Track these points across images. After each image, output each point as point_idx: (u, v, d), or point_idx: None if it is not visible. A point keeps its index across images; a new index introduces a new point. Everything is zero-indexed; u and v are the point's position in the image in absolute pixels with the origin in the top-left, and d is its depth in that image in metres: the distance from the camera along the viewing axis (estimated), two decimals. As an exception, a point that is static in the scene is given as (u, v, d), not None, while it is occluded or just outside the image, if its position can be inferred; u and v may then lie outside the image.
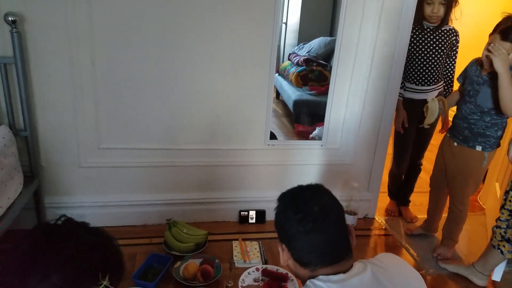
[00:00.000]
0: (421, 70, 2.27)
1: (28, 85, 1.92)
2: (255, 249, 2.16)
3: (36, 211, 2.13)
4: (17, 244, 0.79)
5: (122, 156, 2.17)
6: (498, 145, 2.03)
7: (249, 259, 2.06)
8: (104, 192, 2.22)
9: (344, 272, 0.97)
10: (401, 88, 2.33)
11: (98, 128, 2.08)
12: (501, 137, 2.00)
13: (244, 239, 2.24)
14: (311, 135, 2.51)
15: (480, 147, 1.98)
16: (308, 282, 0.97)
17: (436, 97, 2.16)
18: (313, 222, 0.97)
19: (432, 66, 2.24)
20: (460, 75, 2.08)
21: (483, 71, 1.91)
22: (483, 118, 1.93)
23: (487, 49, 1.81)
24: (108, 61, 1.98)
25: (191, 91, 2.12)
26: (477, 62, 1.97)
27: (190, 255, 2.01)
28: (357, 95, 2.31)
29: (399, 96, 2.34)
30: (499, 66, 1.75)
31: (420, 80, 2.29)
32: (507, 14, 1.81)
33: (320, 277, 0.96)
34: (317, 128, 2.49)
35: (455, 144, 2.07)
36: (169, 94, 2.10)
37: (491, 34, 1.84)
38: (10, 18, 1.75)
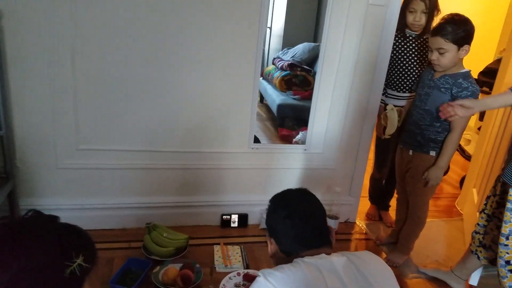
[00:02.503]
0: (403, 77, 2.30)
1: (5, 83, 1.86)
2: (237, 253, 2.14)
3: (10, 213, 2.05)
4: None
5: (102, 157, 2.12)
6: None
7: (231, 264, 2.04)
8: (82, 195, 2.16)
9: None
10: (383, 94, 2.36)
11: (77, 128, 2.03)
12: None
13: (225, 243, 2.22)
14: (294, 139, 2.52)
15: (434, 152, 1.99)
16: (296, 259, 1.04)
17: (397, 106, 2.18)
18: (298, 217, 1.13)
19: (414, 73, 2.28)
20: (416, 83, 2.11)
21: (436, 74, 1.92)
22: (433, 124, 1.94)
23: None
24: (89, 60, 1.93)
25: (174, 93, 2.09)
26: (431, 68, 1.97)
27: (170, 260, 1.97)
28: (340, 100, 2.33)
29: (381, 102, 2.37)
30: (477, 110, 1.84)
31: (402, 87, 2.32)
32: (444, 16, 1.88)
33: (305, 257, 1.05)
34: (300, 132, 2.51)
35: (411, 152, 2.07)
36: (150, 95, 2.07)
37: None
38: (-14, 13, 1.70)
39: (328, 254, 1.07)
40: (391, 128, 2.07)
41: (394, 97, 2.36)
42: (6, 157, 1.95)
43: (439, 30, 1.82)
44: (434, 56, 1.86)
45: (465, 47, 1.82)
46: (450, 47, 1.81)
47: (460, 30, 1.80)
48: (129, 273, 1.83)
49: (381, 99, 2.37)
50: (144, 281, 1.82)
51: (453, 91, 1.85)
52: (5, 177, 1.97)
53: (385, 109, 2.24)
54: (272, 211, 1.19)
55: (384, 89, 2.35)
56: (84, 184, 2.15)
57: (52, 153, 2.05)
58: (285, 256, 1.12)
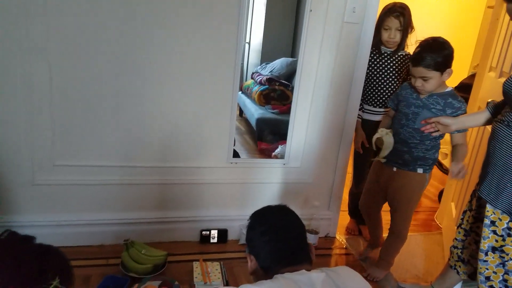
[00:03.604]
0: (379, 93, 2.35)
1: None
2: (216, 270, 2.12)
3: None
4: None
5: (78, 173, 2.10)
6: (434, 165, 2.08)
7: (210, 281, 2.02)
8: (59, 211, 2.13)
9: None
10: (359, 109, 2.41)
11: (52, 144, 2.01)
12: (437, 158, 2.05)
13: (205, 260, 2.19)
14: (273, 153, 2.53)
15: (422, 169, 2.01)
16: (276, 276, 1.05)
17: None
18: (277, 234, 1.15)
19: (389, 89, 2.34)
20: (391, 99, 2.09)
21: (421, 94, 1.93)
22: (423, 141, 1.96)
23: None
24: (64, 76, 1.92)
25: (151, 107, 2.09)
26: (411, 86, 1.97)
27: (148, 277, 1.94)
28: (317, 115, 2.36)
29: (358, 117, 2.42)
30: (461, 127, 1.86)
31: (378, 103, 2.37)
32: (419, 41, 1.89)
33: (285, 273, 1.06)
34: (279, 146, 2.52)
35: (394, 169, 2.07)
36: (127, 111, 2.06)
37: None
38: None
39: (308, 270, 1.07)
40: (386, 151, 2.02)
41: (371, 112, 2.41)
42: (-20, 173, 1.92)
43: (419, 60, 1.81)
44: (418, 83, 1.86)
45: (448, 70, 1.84)
46: (433, 74, 1.82)
47: (439, 56, 1.80)
48: (106, 291, 1.80)
49: (358, 114, 2.41)
50: (120, 299, 1.79)
51: (447, 112, 1.87)
52: (-21, 194, 1.93)
53: (367, 133, 2.22)
54: (252, 228, 1.21)
55: (361, 104, 2.40)
56: (61, 200, 2.12)
57: (28, 169, 2.02)
58: (264, 273, 1.12)
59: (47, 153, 2.02)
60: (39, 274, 0.79)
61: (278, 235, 1.15)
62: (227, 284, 2.01)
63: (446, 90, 1.91)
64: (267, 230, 1.16)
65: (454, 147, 1.96)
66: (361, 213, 2.43)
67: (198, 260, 2.18)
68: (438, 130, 1.87)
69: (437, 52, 1.81)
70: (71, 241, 2.14)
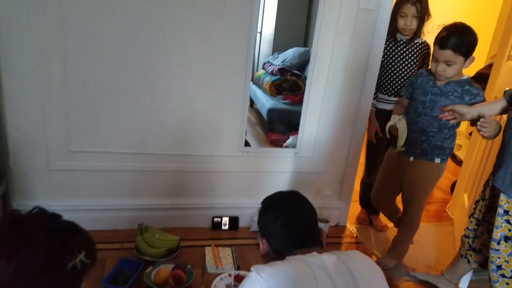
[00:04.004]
0: (394, 82, 2.34)
1: (-2, 84, 1.88)
2: (228, 255, 2.16)
3: (3, 214, 2.06)
4: None
5: (93, 159, 2.13)
6: (450, 155, 2.07)
7: (222, 265, 2.05)
8: (74, 196, 2.17)
9: None
10: (374, 98, 2.39)
11: (68, 131, 2.05)
12: (454, 147, 2.03)
13: (216, 245, 2.23)
14: (284, 144, 2.54)
15: (439, 159, 2.00)
16: (288, 257, 1.06)
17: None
18: (288, 218, 1.17)
19: (404, 77, 2.31)
20: (405, 88, 2.07)
21: (438, 82, 1.91)
22: (442, 130, 1.94)
23: (480, 125, 1.74)
24: (80, 64, 1.95)
25: (165, 96, 2.11)
26: (428, 73, 1.96)
27: (162, 261, 1.98)
28: (330, 105, 2.35)
29: (372, 106, 2.40)
30: (488, 137, 1.77)
31: (393, 91, 2.35)
32: (443, 25, 1.86)
33: (297, 255, 1.07)
34: (291, 136, 2.52)
35: (411, 159, 2.05)
36: (142, 98, 2.09)
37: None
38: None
39: (319, 253, 1.09)
40: (402, 139, 2.00)
41: (385, 101, 2.39)
42: (-1, 158, 1.97)
43: (447, 43, 1.77)
44: (440, 67, 1.83)
45: (471, 57, 1.81)
46: (458, 59, 1.79)
47: (467, 41, 1.77)
48: (121, 273, 1.84)
49: (372, 103, 2.40)
50: (136, 281, 1.83)
51: (465, 99, 1.85)
52: (-1, 177, 1.99)
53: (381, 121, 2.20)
54: (264, 212, 1.22)
55: (375, 93, 2.38)
56: (76, 186, 2.16)
57: (44, 155, 2.06)
58: (276, 256, 1.14)
59: (62, 139, 2.05)
60: (65, 246, 0.82)
61: (290, 219, 1.17)
62: (238, 269, 2.04)
63: (463, 77, 1.88)
64: (279, 215, 1.18)
65: None
66: (374, 206, 2.43)
67: (210, 246, 2.21)
68: (455, 118, 1.85)
69: (466, 36, 1.78)
70: (85, 225, 2.13)
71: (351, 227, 2.66)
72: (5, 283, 0.73)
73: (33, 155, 2.05)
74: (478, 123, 1.73)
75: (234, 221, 2.45)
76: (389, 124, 2.03)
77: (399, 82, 2.33)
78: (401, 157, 2.10)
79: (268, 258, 1.19)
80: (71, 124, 2.04)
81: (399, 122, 1.99)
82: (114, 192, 2.23)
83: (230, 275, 1.95)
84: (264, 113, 2.83)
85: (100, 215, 2.23)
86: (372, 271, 1.10)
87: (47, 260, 0.78)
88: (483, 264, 1.92)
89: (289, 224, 1.16)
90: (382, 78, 2.36)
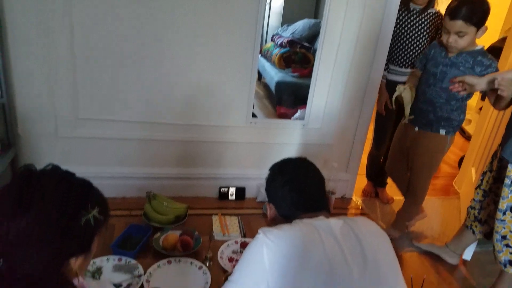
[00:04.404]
0: (405, 52, 2.29)
1: (4, 51, 1.87)
2: (235, 223, 2.18)
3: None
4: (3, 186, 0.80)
5: (101, 127, 2.14)
6: (459, 129, 2.04)
7: (228, 233, 2.08)
8: (82, 164, 2.19)
9: None
10: (385, 70, 2.35)
11: (76, 98, 2.04)
12: (463, 120, 2.01)
13: (223, 214, 2.25)
14: (293, 118, 2.52)
15: (444, 131, 1.98)
16: (295, 220, 1.06)
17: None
18: (296, 183, 1.16)
19: (417, 48, 2.27)
20: (419, 60, 2.04)
21: (449, 53, 1.88)
22: (449, 101, 1.92)
23: (498, 83, 1.68)
24: (87, 30, 1.93)
25: (173, 65, 2.09)
26: (440, 44, 1.92)
27: (170, 227, 2.01)
28: (340, 76, 2.32)
29: (382, 78, 2.37)
30: (507, 96, 1.71)
31: (404, 63, 2.31)
32: None
33: (304, 219, 1.07)
34: (299, 110, 2.50)
35: (416, 129, 2.05)
36: (150, 67, 2.07)
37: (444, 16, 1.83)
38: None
39: (327, 218, 1.09)
40: (408, 108, 1.98)
41: (396, 72, 2.36)
42: (8, 124, 1.98)
43: (458, 13, 1.73)
44: (451, 39, 1.79)
45: (483, 27, 1.77)
46: (470, 30, 1.75)
47: (479, 11, 1.73)
48: (130, 239, 1.88)
49: (383, 75, 2.36)
50: (144, 246, 1.86)
51: (476, 70, 1.81)
52: (8, 144, 2.00)
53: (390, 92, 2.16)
54: (272, 178, 1.22)
55: (386, 64, 2.34)
56: (85, 153, 2.18)
57: (52, 122, 2.07)
58: (284, 220, 1.14)
59: (70, 106, 2.05)
60: (79, 201, 0.83)
61: (298, 184, 1.16)
62: (244, 237, 2.07)
63: (476, 48, 1.84)
64: (288, 180, 1.17)
65: None
66: (388, 176, 2.42)
67: (217, 214, 2.24)
68: (465, 89, 1.82)
69: (477, 6, 1.73)
70: (95, 193, 2.20)
71: (356, 200, 2.67)
72: (20, 236, 0.74)
73: (42, 122, 2.05)
74: (496, 81, 1.68)
75: (240, 191, 2.46)
76: (394, 95, 2.01)
77: (411, 53, 2.28)
78: (408, 128, 2.09)
79: (275, 223, 1.19)
80: (78, 91, 2.04)
81: (404, 92, 1.97)
82: (123, 161, 2.24)
83: (236, 242, 1.98)
84: (272, 87, 2.80)
85: (109, 183, 2.23)
86: (378, 237, 1.10)
87: (62, 213, 0.79)
88: (488, 235, 1.93)
89: (297, 189, 1.16)
90: (394, 48, 2.31)
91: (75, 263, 0.83)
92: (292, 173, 1.20)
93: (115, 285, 1.61)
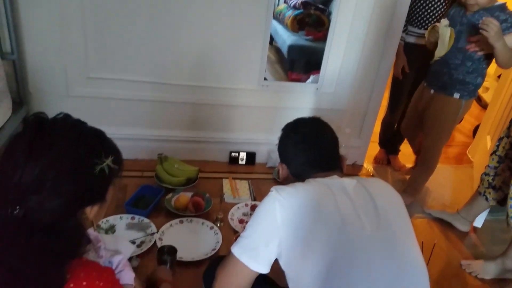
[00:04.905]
0: (425, 13, 2.20)
1: (15, 9, 1.83)
2: (245, 187, 2.19)
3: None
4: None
5: (112, 87, 2.11)
6: (475, 95, 1.98)
7: (239, 195, 2.09)
8: (93, 124, 2.12)
9: None
10: (403, 32, 2.27)
11: (86, 56, 2.01)
12: (480, 84, 1.94)
13: (234, 178, 2.25)
14: (305, 84, 2.47)
15: (458, 95, 1.93)
16: (308, 179, 1.05)
17: None
18: (309, 142, 1.14)
19: (437, 9, 2.18)
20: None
21: (467, 12, 1.82)
22: (465, 63, 1.86)
23: (480, 23, 1.68)
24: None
25: (185, 25, 2.04)
26: (460, 3, 1.87)
27: (181, 188, 2.02)
28: (356, 39, 2.25)
29: (400, 40, 2.29)
30: (494, 41, 1.68)
31: (424, 24, 2.23)
32: None
33: (317, 178, 1.06)
34: (311, 76, 2.44)
35: (432, 91, 2.01)
36: (161, 26, 2.02)
37: None
38: None
39: (340, 177, 1.07)
40: (442, 49, 1.85)
41: (415, 34, 2.27)
42: (19, 82, 1.96)
43: None
44: None
45: None
46: None
47: None
48: (143, 199, 1.89)
49: (401, 37, 2.28)
50: (156, 206, 1.88)
51: None
52: (19, 102, 1.99)
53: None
54: (285, 137, 1.19)
55: (405, 25, 2.26)
56: (96, 113, 2.16)
57: (63, 80, 2.04)
58: (296, 179, 1.12)
59: (80, 65, 2.02)
60: (93, 150, 0.81)
61: (311, 143, 1.14)
62: (255, 200, 2.07)
63: (496, 3, 1.77)
64: (300, 139, 1.15)
65: None
66: (404, 136, 2.39)
67: (227, 178, 2.24)
68: (482, 49, 1.75)
69: None
70: (106, 154, 2.21)
71: (368, 167, 2.65)
72: (34, 183, 0.73)
73: (52, 80, 2.04)
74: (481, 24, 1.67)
75: (251, 156, 2.45)
76: (432, 26, 1.88)
77: (431, 14, 2.19)
78: (424, 90, 2.06)
79: (288, 183, 1.17)
80: (89, 49, 2.00)
81: (443, 28, 1.81)
82: (134, 122, 2.23)
83: (246, 204, 1.99)
84: (285, 50, 2.72)
85: (120, 144, 2.18)
86: (392, 197, 1.09)
87: (76, 161, 0.78)
88: (501, 201, 1.91)
89: (310, 148, 1.14)
90: (414, 9, 2.22)
91: (90, 212, 0.83)
92: (305, 131, 1.18)
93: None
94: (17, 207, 0.71)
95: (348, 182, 1.04)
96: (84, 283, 0.74)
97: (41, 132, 0.77)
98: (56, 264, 0.72)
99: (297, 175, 1.14)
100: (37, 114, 0.81)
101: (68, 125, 0.81)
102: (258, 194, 2.15)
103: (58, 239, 0.73)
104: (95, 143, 0.84)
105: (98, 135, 0.87)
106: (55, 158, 0.75)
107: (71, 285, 0.72)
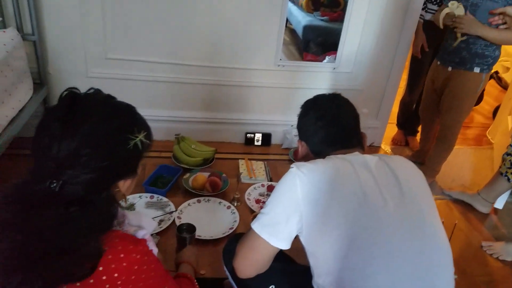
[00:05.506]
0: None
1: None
2: (261, 168, 2.19)
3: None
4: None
5: (130, 68, 2.13)
6: (492, 68, 1.95)
7: (255, 176, 2.10)
8: (112, 105, 2.19)
9: None
10: (422, 9, 2.21)
11: (105, 37, 2.02)
12: (498, 57, 1.90)
13: (250, 159, 2.26)
14: (322, 63, 2.44)
15: (479, 69, 1.89)
16: (329, 156, 1.04)
17: None
18: (329, 119, 1.12)
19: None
20: None
21: None
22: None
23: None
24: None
25: (202, 6, 2.03)
26: None
27: (198, 169, 2.03)
28: (374, 17, 2.20)
29: (420, 18, 2.23)
30: (474, 32, 1.74)
31: (443, 1, 2.16)
32: None
33: (338, 154, 1.04)
34: (327, 57, 2.41)
35: (450, 69, 1.97)
36: (178, 7, 2.01)
37: None
38: None
39: (361, 154, 1.06)
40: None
41: (435, 12, 2.21)
42: (40, 63, 1.99)
43: None
44: None
45: None
46: None
47: None
48: (161, 178, 1.92)
49: (420, 15, 2.22)
50: (174, 186, 1.90)
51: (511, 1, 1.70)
52: (40, 83, 2.02)
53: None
54: (304, 114, 1.17)
55: (425, 3, 2.20)
56: (114, 94, 2.10)
57: (82, 61, 2.06)
58: (316, 157, 1.09)
59: (99, 46, 2.04)
60: (126, 125, 0.82)
61: (332, 119, 1.12)
62: (271, 180, 2.08)
63: None
64: (321, 116, 1.12)
65: None
66: (420, 118, 2.36)
67: (243, 159, 2.25)
68: (505, 23, 1.70)
69: None
70: (124, 135, 2.23)
71: (385, 148, 2.63)
72: (70, 158, 0.73)
73: (72, 61, 2.06)
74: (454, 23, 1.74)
75: (266, 137, 2.45)
76: (444, 11, 1.86)
77: (453, -10, 2.12)
78: (440, 70, 2.02)
79: (307, 160, 1.17)
80: (107, 31, 2.01)
81: (456, 9, 1.80)
82: (151, 103, 2.24)
83: (263, 185, 2.00)
84: (299, 31, 2.68)
85: None
86: (414, 174, 1.07)
87: (110, 136, 0.78)
88: (524, 182, 1.87)
89: (330, 124, 1.11)
90: (433, -14, 2.16)
91: (123, 185, 0.84)
92: (325, 108, 1.15)
93: (147, 220, 1.65)
94: (54, 181, 0.72)
95: (370, 158, 1.02)
96: (122, 255, 0.75)
97: (75, 106, 0.77)
98: (92, 235, 0.73)
99: (317, 152, 1.12)
100: (70, 89, 0.81)
101: (101, 101, 0.81)
102: (274, 175, 2.15)
103: (94, 212, 0.75)
104: (128, 118, 0.84)
105: (130, 110, 0.87)
106: (90, 133, 0.76)
107: (109, 256, 0.74)
